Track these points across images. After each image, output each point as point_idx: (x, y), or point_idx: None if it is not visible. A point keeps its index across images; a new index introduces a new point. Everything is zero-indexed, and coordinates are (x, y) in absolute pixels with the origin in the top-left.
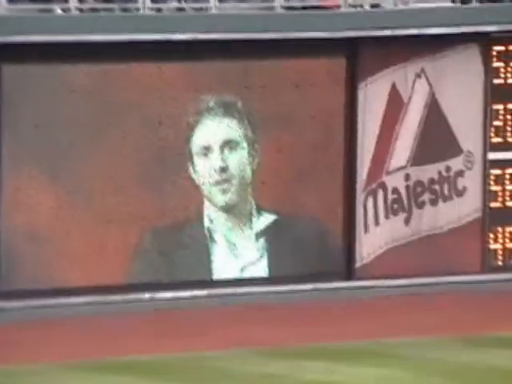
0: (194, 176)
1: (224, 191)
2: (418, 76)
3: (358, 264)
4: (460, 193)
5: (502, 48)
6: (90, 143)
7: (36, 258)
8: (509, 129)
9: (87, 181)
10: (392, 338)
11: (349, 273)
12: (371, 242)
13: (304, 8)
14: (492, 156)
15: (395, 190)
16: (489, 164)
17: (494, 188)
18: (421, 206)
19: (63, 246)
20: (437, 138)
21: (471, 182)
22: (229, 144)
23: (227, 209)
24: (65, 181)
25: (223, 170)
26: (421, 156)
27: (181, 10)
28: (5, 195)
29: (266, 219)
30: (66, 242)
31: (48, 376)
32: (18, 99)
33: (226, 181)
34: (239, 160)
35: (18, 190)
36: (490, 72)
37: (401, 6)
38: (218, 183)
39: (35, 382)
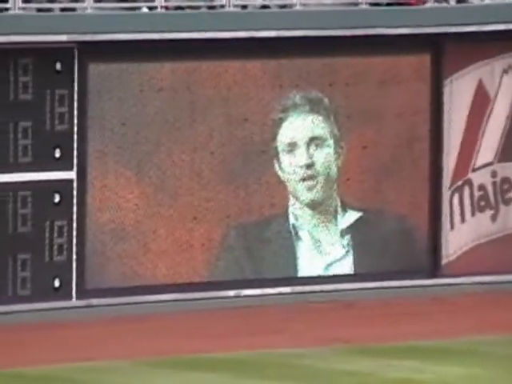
0: (279, 173)
1: (309, 188)
2: (505, 72)
3: (443, 261)
4: None
5: None
6: (175, 141)
7: (123, 255)
8: None
9: (173, 178)
10: (480, 336)
11: (435, 270)
12: (457, 239)
13: (389, 4)
14: None
15: (482, 187)
16: None
17: None
18: (507, 202)
19: (149, 244)
20: None
21: None
22: (315, 141)
23: (313, 206)
24: (151, 178)
25: (309, 166)
26: (508, 152)
27: (265, 6)
28: (92, 193)
29: (351, 216)
30: (153, 239)
31: (132, 372)
32: (105, 97)
33: (312, 177)
34: (325, 157)
35: (104, 188)
36: None
37: (487, 1)
38: (303, 180)
39: (119, 378)
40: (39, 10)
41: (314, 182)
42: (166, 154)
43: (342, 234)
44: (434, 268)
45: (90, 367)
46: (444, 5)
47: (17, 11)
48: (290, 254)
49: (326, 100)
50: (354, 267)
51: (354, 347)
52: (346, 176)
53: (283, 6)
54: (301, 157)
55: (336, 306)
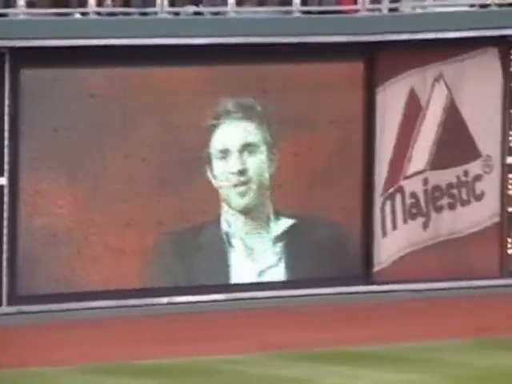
0: (212, 179)
1: (242, 194)
2: (437, 80)
3: (376, 268)
4: (478, 197)
5: None
6: (108, 147)
7: (55, 261)
8: None
9: (106, 184)
10: (412, 342)
11: (367, 277)
12: (389, 246)
13: (322, 12)
14: (511, 160)
15: (413, 195)
16: (507, 168)
17: None
18: (439, 210)
19: (82, 250)
20: (455, 142)
21: (490, 186)
22: (247, 147)
23: (245, 212)
24: (84, 184)
25: (241, 172)
26: (439, 160)
27: (198, 14)
28: (24, 198)
29: (284, 223)
30: (85, 245)
31: (63, 379)
32: (37, 103)
33: (244, 183)
34: (258, 163)
35: (37, 193)
36: (508, 76)
37: (419, 10)
38: (235, 186)
39: None
40: None
41: (247, 189)
42: (98, 160)
43: (275, 241)
44: (366, 275)
45: (20, 373)
46: (377, 13)
47: None
48: (222, 261)
49: (258, 107)
50: (287, 274)
51: (288, 353)
52: (278, 183)
53: (216, 13)
54: (233, 163)
55: (269, 313)
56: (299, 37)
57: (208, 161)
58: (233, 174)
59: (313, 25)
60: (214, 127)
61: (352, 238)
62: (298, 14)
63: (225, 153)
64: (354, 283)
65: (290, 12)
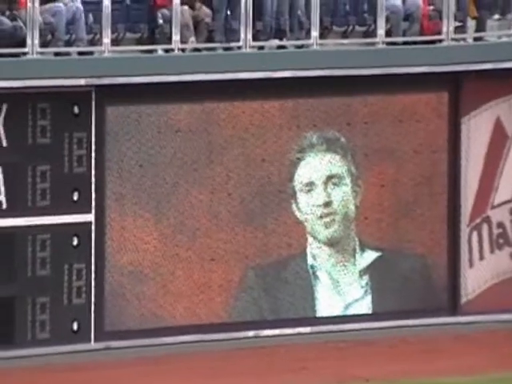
0: (297, 213)
1: (327, 225)
2: None
3: (463, 299)
4: None
5: None
6: (193, 181)
7: (141, 297)
8: None
9: (191, 219)
10: (501, 373)
11: (454, 308)
12: (476, 277)
13: (406, 43)
14: None
15: (500, 224)
16: None
17: None
18: None
19: (168, 285)
20: None
21: None
22: (332, 179)
23: (331, 243)
24: (169, 220)
25: (327, 204)
26: None
27: (282, 47)
28: (110, 234)
29: (369, 255)
30: (171, 280)
31: None
32: (123, 139)
33: (330, 215)
34: (342, 195)
35: (122, 230)
36: None
37: (504, 39)
38: (321, 217)
39: None
40: (56, 54)
41: (332, 220)
42: (183, 196)
43: (361, 273)
44: (453, 306)
45: None
46: (461, 43)
47: (34, 56)
48: (308, 295)
49: (342, 139)
50: (373, 306)
51: None
52: (364, 215)
53: (300, 47)
54: (318, 196)
55: (356, 345)
56: (383, 68)
57: (293, 194)
58: (318, 206)
59: (397, 56)
60: (298, 160)
61: (438, 269)
62: (382, 45)
63: (310, 185)
64: (440, 315)
65: (373, 43)
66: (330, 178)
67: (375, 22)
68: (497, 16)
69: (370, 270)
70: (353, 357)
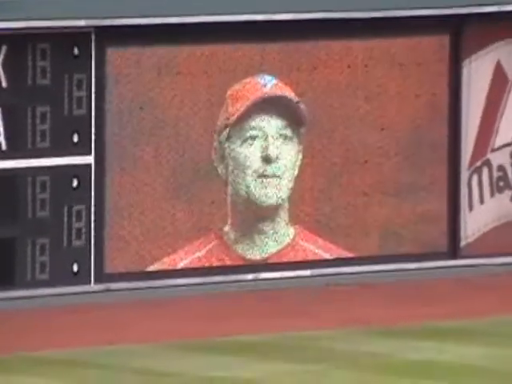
0: None
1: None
2: None
3: (462, 243)
4: None
5: None
6: (193, 124)
7: (141, 239)
8: None
9: (191, 161)
10: (501, 316)
11: (454, 251)
12: (476, 221)
13: None
14: None
15: (501, 168)
16: None
17: None
18: None
19: (168, 227)
20: None
21: None
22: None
23: None
24: (169, 162)
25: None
26: None
27: None
28: (111, 176)
29: None
30: (172, 222)
31: (154, 356)
32: (123, 81)
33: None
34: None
35: (123, 171)
36: None
37: None
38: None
39: (141, 362)
40: None
41: None
42: (184, 137)
43: None
44: (453, 250)
45: (112, 351)
46: None
47: None
48: None
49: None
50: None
51: (375, 329)
52: (364, 158)
53: None
54: None
55: (356, 288)
56: (384, 11)
57: None
58: None
59: None
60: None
61: (438, 213)
62: None
63: None
64: (440, 258)
65: None
66: None
67: None
68: None
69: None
70: (350, 300)
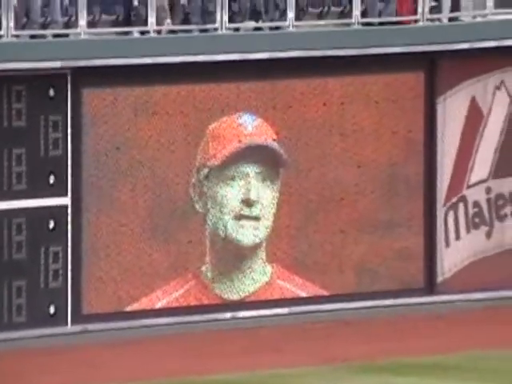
0: None
1: None
2: (498, 88)
3: (439, 278)
4: None
5: None
6: (169, 163)
7: (119, 279)
8: None
9: (167, 201)
10: (477, 351)
11: (431, 287)
12: (452, 257)
13: (381, 23)
14: None
15: (476, 204)
16: None
17: None
18: (502, 219)
19: (145, 267)
20: None
21: None
22: None
23: None
24: (146, 202)
25: None
26: (502, 169)
27: (258, 29)
28: (87, 217)
29: None
30: (148, 263)
31: None
32: (99, 122)
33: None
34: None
35: (100, 212)
36: None
37: (479, 19)
38: None
39: None
40: (32, 36)
41: None
42: (161, 176)
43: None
44: (430, 285)
45: None
46: (437, 23)
47: (10, 38)
48: None
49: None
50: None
51: (352, 365)
52: (340, 195)
53: (276, 28)
54: None
55: (335, 325)
56: (359, 49)
57: None
58: None
59: (373, 36)
60: None
61: (415, 249)
62: (358, 26)
63: None
64: (417, 294)
65: (349, 24)
66: None
67: (350, 2)
68: None
69: None
70: (330, 337)
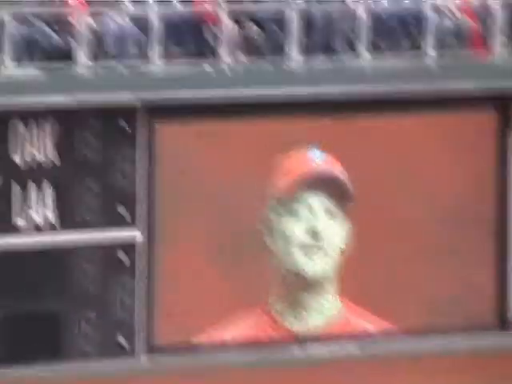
0: None
1: None
2: None
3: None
4: None
5: None
6: (241, 197)
7: (192, 313)
8: None
9: (239, 236)
10: None
11: (503, 325)
12: None
13: (456, 61)
14: None
15: None
16: None
17: None
18: None
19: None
20: None
21: None
22: None
23: None
24: (216, 235)
25: None
26: None
27: (331, 64)
28: (159, 254)
29: None
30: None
31: None
32: (172, 157)
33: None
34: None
35: (172, 250)
36: None
37: None
38: None
39: None
40: (105, 69)
41: None
42: (232, 211)
43: None
44: (502, 323)
45: None
46: (510, 59)
47: (83, 72)
48: None
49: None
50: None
51: None
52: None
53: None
54: None
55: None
56: (432, 86)
57: None
58: None
59: (447, 74)
60: None
61: (487, 286)
62: (431, 64)
63: None
64: (489, 330)
65: (422, 62)
66: None
67: (423, 39)
68: None
69: None
70: (395, 373)
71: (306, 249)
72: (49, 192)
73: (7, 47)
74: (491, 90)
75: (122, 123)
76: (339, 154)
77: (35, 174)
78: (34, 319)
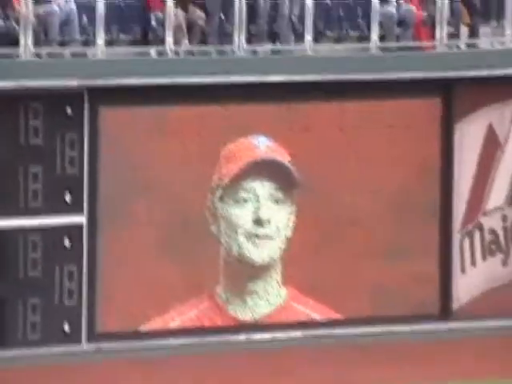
0: None
1: None
2: None
3: (454, 305)
4: None
5: None
6: (185, 184)
7: (134, 299)
8: None
9: (184, 223)
10: (491, 380)
11: (445, 314)
12: (468, 283)
13: (400, 49)
14: None
15: (492, 231)
16: None
17: None
18: None
19: (161, 287)
20: None
21: None
22: None
23: None
24: (163, 220)
25: None
26: None
27: (275, 51)
28: (102, 236)
29: None
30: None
31: None
32: (116, 141)
33: None
34: None
35: (115, 230)
36: None
37: (498, 46)
38: None
39: None
40: (50, 54)
41: None
42: (176, 197)
43: None
44: (445, 312)
45: None
46: (455, 49)
47: (28, 57)
48: None
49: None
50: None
51: None
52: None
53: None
54: None
55: (348, 350)
56: (375, 73)
57: None
58: None
59: (390, 61)
60: None
61: (430, 275)
62: (376, 51)
63: None
64: (432, 320)
65: (367, 49)
66: None
67: (369, 27)
68: (493, 23)
69: None
70: (343, 362)
71: (251, 237)
72: None
73: None
74: (435, 78)
75: (67, 108)
76: (285, 140)
77: None
78: None
